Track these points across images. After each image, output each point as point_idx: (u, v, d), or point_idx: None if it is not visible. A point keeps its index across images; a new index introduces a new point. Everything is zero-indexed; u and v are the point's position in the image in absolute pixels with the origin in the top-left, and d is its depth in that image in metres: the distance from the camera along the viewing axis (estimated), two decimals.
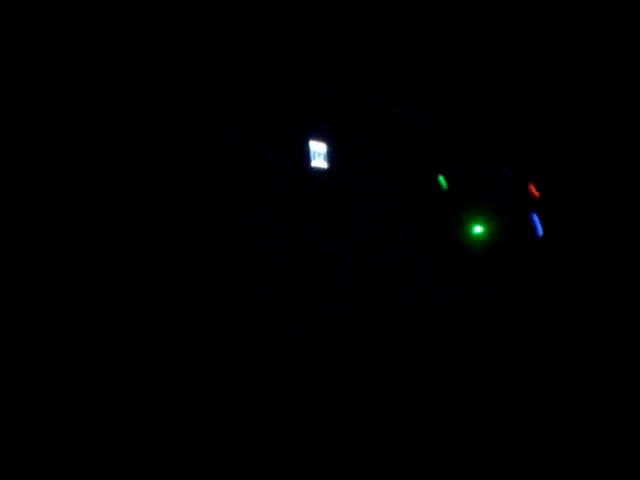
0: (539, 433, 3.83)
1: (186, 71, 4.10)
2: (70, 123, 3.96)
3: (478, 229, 4.11)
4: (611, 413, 3.79)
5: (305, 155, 4.21)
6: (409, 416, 3.88)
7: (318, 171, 4.24)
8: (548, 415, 3.86)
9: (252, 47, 4.12)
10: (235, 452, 3.79)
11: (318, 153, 4.24)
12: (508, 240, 4.12)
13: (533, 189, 4.04)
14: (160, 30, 4.04)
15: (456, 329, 4.09)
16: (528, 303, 4.07)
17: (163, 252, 4.08)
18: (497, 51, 4.14)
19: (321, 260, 4.21)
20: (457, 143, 4.19)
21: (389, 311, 4.10)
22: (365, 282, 4.22)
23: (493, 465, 3.81)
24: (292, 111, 4.18)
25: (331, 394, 3.97)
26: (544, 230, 4.10)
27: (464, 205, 4.18)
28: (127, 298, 4.02)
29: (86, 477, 3.62)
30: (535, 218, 4.05)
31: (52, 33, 3.89)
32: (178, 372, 3.93)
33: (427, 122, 4.21)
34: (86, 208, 3.97)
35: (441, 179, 4.02)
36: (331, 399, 3.95)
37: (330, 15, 4.12)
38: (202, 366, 4.00)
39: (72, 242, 3.93)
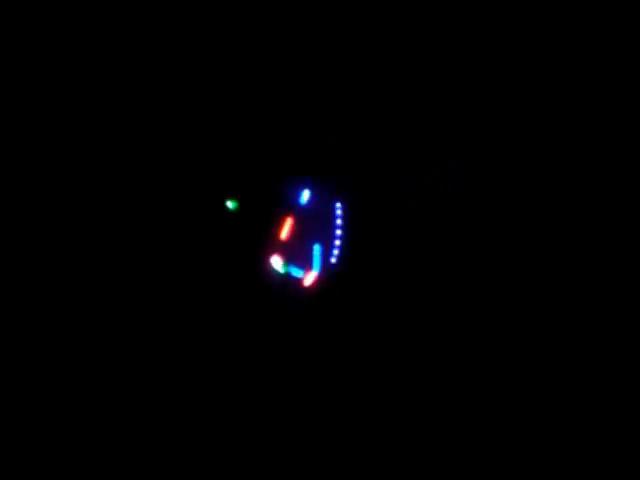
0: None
1: (185, 72, 4.11)
2: (68, 123, 3.97)
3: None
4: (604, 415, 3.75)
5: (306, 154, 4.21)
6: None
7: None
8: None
9: (254, 47, 4.12)
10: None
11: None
12: None
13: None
14: (160, 29, 4.06)
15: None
16: None
17: (160, 251, 4.09)
18: (498, 52, 4.13)
19: (324, 260, 4.19)
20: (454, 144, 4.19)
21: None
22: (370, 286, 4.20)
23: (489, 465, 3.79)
24: (293, 110, 4.18)
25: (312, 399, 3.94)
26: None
27: None
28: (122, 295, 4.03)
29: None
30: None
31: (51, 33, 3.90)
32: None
33: (427, 123, 4.20)
34: (84, 207, 3.98)
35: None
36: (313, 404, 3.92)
37: (333, 13, 4.13)
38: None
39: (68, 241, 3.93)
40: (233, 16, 4.04)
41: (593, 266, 3.97)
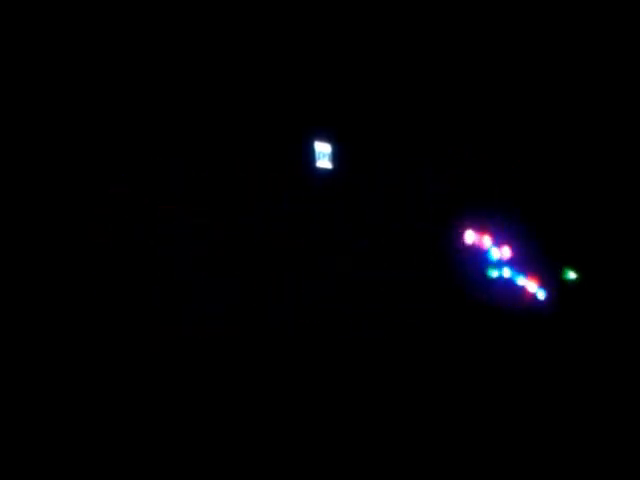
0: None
1: (188, 71, 4.10)
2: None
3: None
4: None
5: (310, 156, 4.21)
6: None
7: (323, 172, 4.24)
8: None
9: (256, 46, 4.12)
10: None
11: (323, 154, 4.23)
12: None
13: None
14: (161, 29, 4.05)
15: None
16: None
17: (159, 252, 4.09)
18: (501, 50, 4.13)
19: (326, 261, 4.20)
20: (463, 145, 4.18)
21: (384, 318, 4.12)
22: (368, 286, 4.20)
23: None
24: (296, 111, 4.18)
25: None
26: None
27: None
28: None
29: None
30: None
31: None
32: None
33: (434, 122, 4.20)
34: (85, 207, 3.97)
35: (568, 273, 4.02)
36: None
37: (335, 15, 4.12)
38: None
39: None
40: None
41: (592, 265, 3.99)
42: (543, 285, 4.11)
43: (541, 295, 4.11)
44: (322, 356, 4.06)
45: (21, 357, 3.81)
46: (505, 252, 4.10)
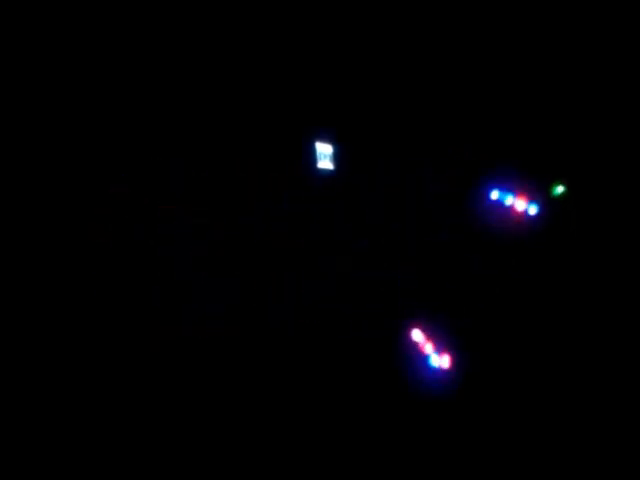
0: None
1: (189, 71, 4.11)
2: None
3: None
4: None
5: (311, 156, 4.21)
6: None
7: (324, 172, 4.24)
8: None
9: (257, 47, 4.13)
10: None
11: (324, 154, 4.23)
12: None
13: None
14: (161, 30, 4.06)
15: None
16: None
17: (161, 253, 4.09)
18: (502, 51, 4.13)
19: (326, 261, 4.20)
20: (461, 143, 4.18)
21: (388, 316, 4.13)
22: (369, 286, 4.20)
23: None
24: (298, 112, 4.18)
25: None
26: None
27: None
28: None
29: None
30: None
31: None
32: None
33: (435, 122, 4.20)
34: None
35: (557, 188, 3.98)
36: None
37: (337, 16, 4.13)
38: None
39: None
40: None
41: (592, 266, 3.98)
42: (533, 200, 4.05)
43: (533, 210, 4.05)
44: (322, 356, 4.06)
45: (21, 356, 3.83)
46: (444, 361, 4.03)
